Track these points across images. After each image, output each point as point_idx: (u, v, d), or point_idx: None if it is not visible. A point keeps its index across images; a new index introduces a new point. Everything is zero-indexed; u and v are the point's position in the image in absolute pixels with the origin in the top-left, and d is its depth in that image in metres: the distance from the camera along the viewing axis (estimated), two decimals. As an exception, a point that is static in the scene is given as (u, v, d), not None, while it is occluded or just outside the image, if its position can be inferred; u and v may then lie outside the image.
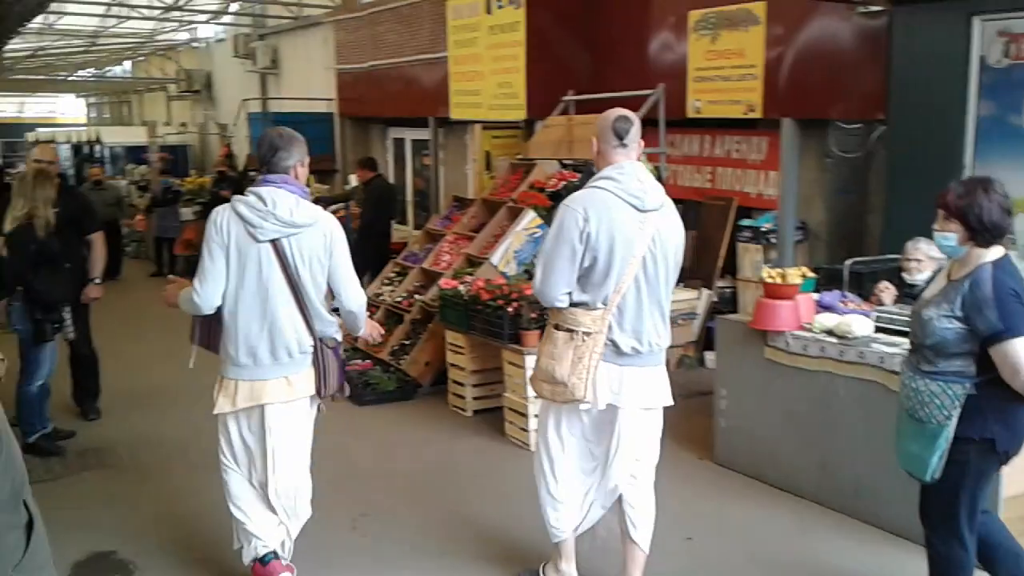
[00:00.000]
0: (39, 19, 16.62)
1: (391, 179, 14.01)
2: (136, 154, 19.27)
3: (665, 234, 3.26)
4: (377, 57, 13.04)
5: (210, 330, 3.55)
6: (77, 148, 24.95)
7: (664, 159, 7.95)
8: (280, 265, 3.33)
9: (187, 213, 13.03)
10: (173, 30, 18.86)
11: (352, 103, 14.18)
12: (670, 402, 3.48)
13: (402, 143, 13.79)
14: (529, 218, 6.91)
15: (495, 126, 9.44)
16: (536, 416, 4.39)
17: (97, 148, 21.11)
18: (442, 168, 12.35)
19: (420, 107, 12.03)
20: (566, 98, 8.51)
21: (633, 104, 7.21)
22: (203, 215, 12.32)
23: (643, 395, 3.34)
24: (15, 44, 18.44)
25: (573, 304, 3.26)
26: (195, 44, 21.13)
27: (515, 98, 9.18)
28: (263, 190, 3.37)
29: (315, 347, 3.46)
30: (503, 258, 6.75)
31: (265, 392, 3.43)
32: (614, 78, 8.53)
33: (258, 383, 3.43)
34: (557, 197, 7.12)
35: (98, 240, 6.00)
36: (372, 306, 7.66)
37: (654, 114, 7.72)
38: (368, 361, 7.01)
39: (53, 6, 15.22)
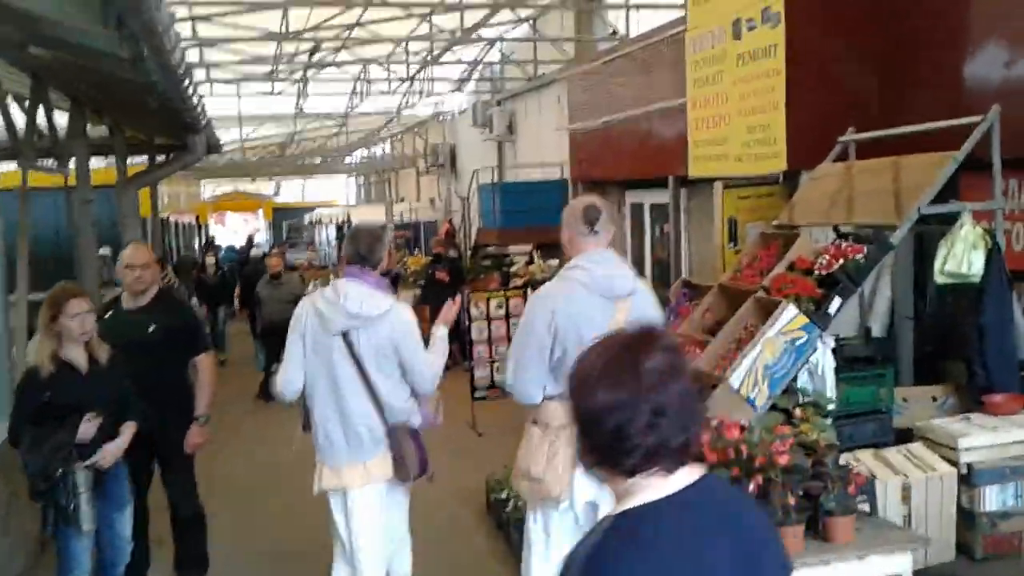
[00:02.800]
0: (291, 105, 16.94)
1: (627, 251, 12.08)
2: (379, 232, 18.97)
3: (638, 318, 3.06)
4: (612, 111, 11.28)
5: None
6: (339, 228, 25.73)
7: (1001, 215, 5.30)
8: (349, 356, 3.49)
9: (407, 297, 11.90)
10: (413, 105, 18.52)
11: (586, 165, 12.49)
12: None
13: (640, 209, 11.83)
14: (788, 316, 4.59)
15: (743, 183, 7.16)
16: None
17: (347, 228, 21.26)
18: (685, 236, 10.20)
19: (657, 165, 10.04)
20: (844, 138, 6.09)
21: (950, 140, 5.11)
22: (423, 299, 11.07)
23: None
24: (268, 131, 19.00)
25: (547, 397, 3.22)
26: (441, 118, 20.82)
27: (771, 144, 6.89)
28: (339, 282, 3.57)
29: (389, 433, 3.55)
30: (747, 378, 4.48)
31: (342, 476, 3.58)
32: (916, 104, 6.01)
33: (335, 467, 3.60)
34: (830, 283, 4.74)
35: (206, 364, 4.62)
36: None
37: (983, 152, 5.12)
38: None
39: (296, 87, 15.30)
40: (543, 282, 8.58)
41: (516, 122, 15.86)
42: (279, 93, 15.10)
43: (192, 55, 11.66)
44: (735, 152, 7.45)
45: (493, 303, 8.23)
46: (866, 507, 3.48)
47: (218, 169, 27.05)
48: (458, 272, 11.64)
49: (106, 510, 3.88)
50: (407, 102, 18.43)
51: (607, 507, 3.19)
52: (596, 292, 3.19)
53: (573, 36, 12.99)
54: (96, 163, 12.37)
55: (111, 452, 3.84)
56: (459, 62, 14.00)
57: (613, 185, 12.32)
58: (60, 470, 3.52)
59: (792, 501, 3.26)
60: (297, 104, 17.03)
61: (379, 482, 3.59)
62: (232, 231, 40.41)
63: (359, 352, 3.48)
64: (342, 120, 19.39)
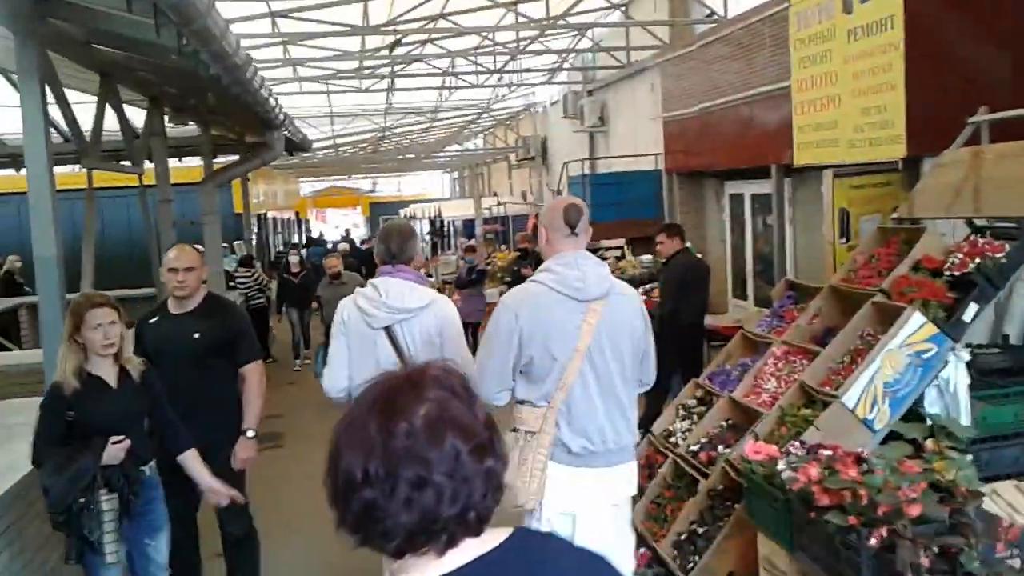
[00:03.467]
0: (380, 100, 16.81)
1: (727, 246, 11.38)
2: (470, 228, 18.71)
3: (615, 323, 3.08)
4: (708, 98, 10.62)
5: None
6: (432, 223, 25.66)
7: None
8: (395, 351, 3.44)
9: (493, 294, 11.54)
10: (503, 97, 18.13)
11: (681, 155, 11.85)
12: (633, 491, 3.27)
13: (740, 200, 11.11)
14: (914, 325, 3.94)
15: (856, 171, 6.44)
16: None
17: (438, 222, 21.09)
18: (790, 230, 9.47)
19: (759, 153, 9.36)
20: (976, 118, 5.33)
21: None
22: (509, 295, 10.66)
23: (602, 493, 3.12)
24: (359, 126, 18.96)
25: (519, 402, 3.15)
26: (533, 110, 20.39)
27: (888, 127, 6.17)
28: (378, 280, 3.54)
29: None
30: (865, 396, 3.87)
31: None
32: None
33: None
34: (964, 286, 4.07)
35: (255, 375, 4.29)
36: (659, 454, 5.12)
37: None
38: (645, 551, 4.43)
39: (385, 83, 15.12)
40: (640, 279, 8.07)
41: (608, 112, 15.28)
42: (366, 90, 14.92)
43: (275, 52, 11.59)
44: (847, 137, 6.75)
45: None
46: (1016, 563, 2.83)
47: (314, 166, 27.39)
48: (546, 268, 11.18)
49: (138, 535, 3.60)
50: (497, 95, 18.07)
51: (587, 519, 3.02)
52: (566, 294, 3.05)
53: (667, 19, 12.32)
54: (173, 163, 12.51)
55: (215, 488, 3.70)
56: (548, 51, 13.50)
57: (710, 176, 11.64)
58: (82, 499, 3.22)
59: (925, 561, 2.63)
60: (387, 99, 16.87)
61: None
62: (333, 227, 41.10)
63: (405, 345, 3.45)
64: (431, 115, 19.16)
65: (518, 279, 10.57)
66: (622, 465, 3.16)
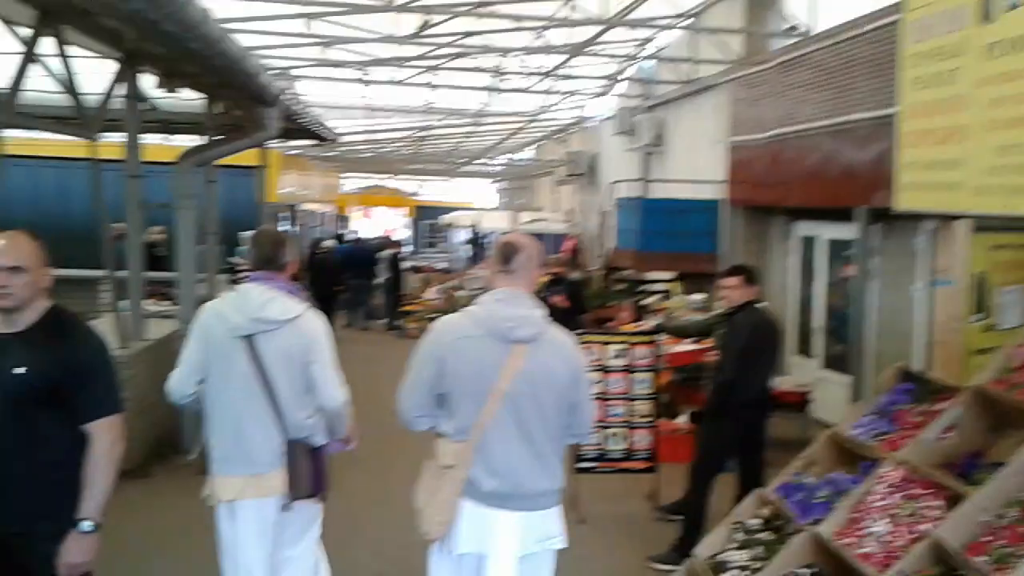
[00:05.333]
0: (417, 95, 15.60)
1: (794, 293, 9.88)
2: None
3: (539, 368, 2.99)
4: (784, 124, 9.19)
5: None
6: (471, 233, 24.44)
7: None
8: (252, 362, 3.32)
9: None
10: (554, 107, 16.80)
11: (746, 186, 10.41)
12: (558, 545, 3.12)
13: (811, 244, 9.63)
14: None
15: (996, 226, 4.95)
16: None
17: (476, 233, 19.81)
18: (874, 284, 7.98)
19: (843, 192, 7.93)
20: None
21: None
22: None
23: (515, 540, 3.00)
24: (396, 122, 17.79)
25: (439, 433, 3.09)
26: (584, 124, 19.04)
27: (1040, 171, 4.70)
28: (244, 285, 3.43)
29: (287, 447, 3.38)
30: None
31: (234, 488, 3.38)
32: None
33: (230, 478, 3.39)
34: None
35: (104, 435, 2.91)
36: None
37: None
38: None
39: (423, 78, 13.89)
40: (695, 328, 6.61)
41: (666, 131, 13.88)
42: (401, 82, 13.69)
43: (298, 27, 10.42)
44: (975, 181, 5.26)
45: (611, 350, 6.32)
46: None
47: (355, 161, 26.34)
48: (579, 299, 9.77)
49: None
50: (547, 104, 16.76)
51: (497, 563, 2.93)
52: (489, 333, 3.00)
53: (741, 28, 10.90)
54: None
55: None
56: (604, 54, 12.17)
57: (779, 213, 10.17)
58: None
59: None
60: (427, 96, 15.65)
61: (270, 497, 3.40)
62: (380, 226, 40.12)
63: (263, 358, 3.36)
64: (475, 119, 17.90)
65: (547, 309, 9.19)
66: (538, 512, 3.05)
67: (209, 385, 3.42)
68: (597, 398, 6.23)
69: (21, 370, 2.78)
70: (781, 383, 7.44)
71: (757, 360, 5.23)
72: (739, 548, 3.70)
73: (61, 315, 2.97)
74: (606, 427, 6.31)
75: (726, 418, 5.26)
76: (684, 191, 12.24)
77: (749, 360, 5.18)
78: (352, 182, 42.73)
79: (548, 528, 3.09)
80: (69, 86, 6.13)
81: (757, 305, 5.40)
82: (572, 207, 20.64)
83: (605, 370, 6.29)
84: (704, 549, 3.91)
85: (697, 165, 12.34)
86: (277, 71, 12.69)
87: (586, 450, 6.28)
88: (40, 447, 2.84)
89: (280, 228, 3.76)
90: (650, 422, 6.36)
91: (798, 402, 7.73)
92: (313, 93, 15.68)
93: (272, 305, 3.36)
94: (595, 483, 6.39)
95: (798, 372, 9.00)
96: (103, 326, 7.13)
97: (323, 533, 3.76)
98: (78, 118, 6.12)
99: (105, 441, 2.89)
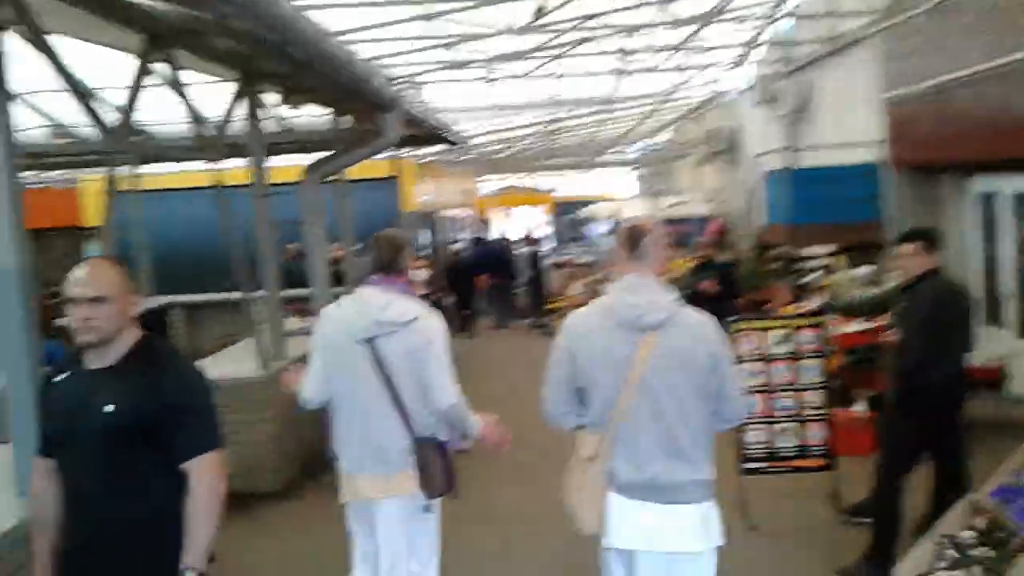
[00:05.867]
0: (544, 88, 15.24)
1: (976, 256, 8.83)
2: (647, 230, 16.73)
3: (673, 354, 2.92)
4: (951, 69, 8.18)
5: None
6: (613, 224, 23.93)
7: None
8: (375, 364, 3.37)
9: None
10: (687, 83, 15.97)
11: (909, 144, 9.40)
12: (703, 546, 2.94)
13: (991, 200, 8.55)
14: None
15: None
16: None
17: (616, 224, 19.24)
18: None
19: (1030, 137, 6.89)
20: None
21: None
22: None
23: (658, 537, 2.92)
24: (526, 119, 17.49)
25: (582, 426, 3.08)
26: (721, 98, 18.08)
27: None
28: (363, 290, 3.50)
29: (415, 447, 3.42)
30: None
31: (367, 488, 3.45)
32: None
33: (361, 477, 3.47)
34: None
35: (205, 475, 2.66)
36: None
37: None
38: None
39: (543, 68, 13.49)
40: (868, 304, 5.89)
41: (811, 95, 12.87)
42: (526, 75, 13.31)
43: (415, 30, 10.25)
44: None
45: (773, 336, 5.68)
46: None
47: (488, 163, 26.36)
48: (730, 283, 9.07)
49: None
50: (679, 82, 15.96)
51: (645, 558, 2.86)
52: (618, 322, 2.93)
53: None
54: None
55: None
56: (736, 19, 11.33)
57: (951, 169, 9.10)
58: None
59: None
60: (553, 88, 15.22)
61: (401, 496, 3.47)
62: (520, 226, 40.31)
63: (385, 360, 3.42)
64: (606, 106, 17.31)
65: (696, 297, 8.56)
66: (680, 506, 2.95)
67: (335, 389, 3.52)
68: (760, 391, 5.67)
69: (110, 408, 2.56)
70: (973, 358, 6.54)
71: (946, 336, 4.47)
72: (950, 568, 3.07)
73: (153, 346, 2.75)
74: (773, 422, 5.69)
75: (914, 405, 4.54)
76: (837, 157, 11.26)
77: (937, 337, 4.44)
78: (489, 184, 43.02)
79: (695, 525, 2.96)
80: (191, 111, 6.14)
81: (938, 270, 4.65)
82: (715, 187, 19.73)
83: (767, 359, 5.67)
84: (907, 569, 3.29)
85: (849, 127, 11.33)
86: (402, 79, 12.66)
87: (753, 449, 5.68)
88: (138, 492, 2.61)
89: (399, 231, 3.63)
90: (824, 414, 5.69)
91: (992, 379, 6.83)
92: (440, 99, 15.62)
93: (392, 308, 3.43)
94: (766, 485, 5.79)
95: (989, 345, 7.97)
96: (245, 349, 7.17)
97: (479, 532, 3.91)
98: (201, 144, 6.11)
99: (206, 480, 2.64)
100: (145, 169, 16.16)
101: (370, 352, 3.42)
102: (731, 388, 3.01)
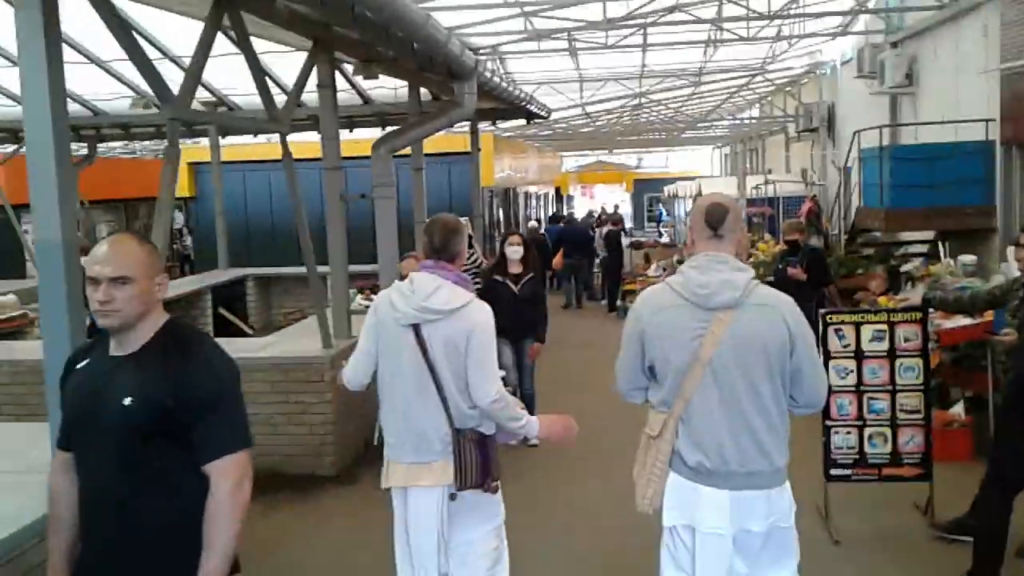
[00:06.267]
0: (630, 60, 14.69)
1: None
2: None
3: (746, 336, 2.81)
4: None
5: None
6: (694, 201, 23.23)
7: None
8: (420, 351, 3.36)
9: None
10: (782, 55, 15.18)
11: (1026, 122, 8.61)
12: (783, 524, 2.87)
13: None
14: None
15: None
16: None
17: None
18: None
19: None
20: None
21: None
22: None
23: (724, 519, 2.82)
24: (610, 91, 16.96)
25: (651, 404, 3.02)
26: (819, 71, 17.18)
27: None
28: (414, 275, 3.46)
29: (453, 437, 3.37)
30: None
31: (406, 475, 3.43)
32: None
33: (400, 464, 3.45)
34: None
35: (224, 478, 2.37)
36: None
37: None
38: None
39: (628, 40, 12.96)
40: (982, 300, 5.26)
41: (918, 68, 12.00)
42: (612, 46, 12.82)
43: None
44: None
45: (866, 332, 5.18)
46: None
47: (569, 138, 25.90)
48: (820, 268, 8.48)
49: None
50: (774, 52, 15.18)
51: (708, 540, 2.83)
52: (688, 300, 2.86)
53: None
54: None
55: None
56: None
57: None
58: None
59: None
60: (641, 59, 14.66)
61: (438, 485, 3.40)
62: (599, 203, 39.84)
63: (429, 348, 3.37)
64: (695, 79, 16.64)
65: (783, 281, 8.04)
66: (754, 491, 2.82)
67: (380, 373, 3.48)
68: (850, 391, 5.19)
69: (128, 401, 2.33)
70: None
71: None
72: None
73: (179, 331, 2.49)
74: (864, 425, 5.20)
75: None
76: (943, 135, 10.47)
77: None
78: (571, 160, 42.47)
79: (766, 508, 2.86)
80: (261, 80, 5.97)
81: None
82: (806, 166, 18.84)
83: (861, 356, 5.18)
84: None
85: (959, 103, 10.50)
86: (483, 50, 12.33)
87: (840, 454, 5.22)
88: (164, 493, 2.35)
89: (453, 215, 3.44)
90: (922, 419, 5.17)
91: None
92: (523, 70, 15.24)
93: (438, 295, 3.36)
94: (852, 493, 5.33)
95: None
96: (311, 326, 7.01)
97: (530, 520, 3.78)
98: (271, 115, 5.92)
99: (227, 484, 2.36)
100: (228, 141, 16.43)
101: (414, 338, 3.37)
102: (809, 371, 2.87)
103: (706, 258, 2.89)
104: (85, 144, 12.63)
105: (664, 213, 33.93)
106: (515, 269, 6.96)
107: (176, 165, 4.52)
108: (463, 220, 3.78)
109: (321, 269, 6.82)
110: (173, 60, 8.45)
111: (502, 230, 18.91)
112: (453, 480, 3.37)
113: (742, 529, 2.84)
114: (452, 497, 3.40)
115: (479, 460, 3.39)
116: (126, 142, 17.61)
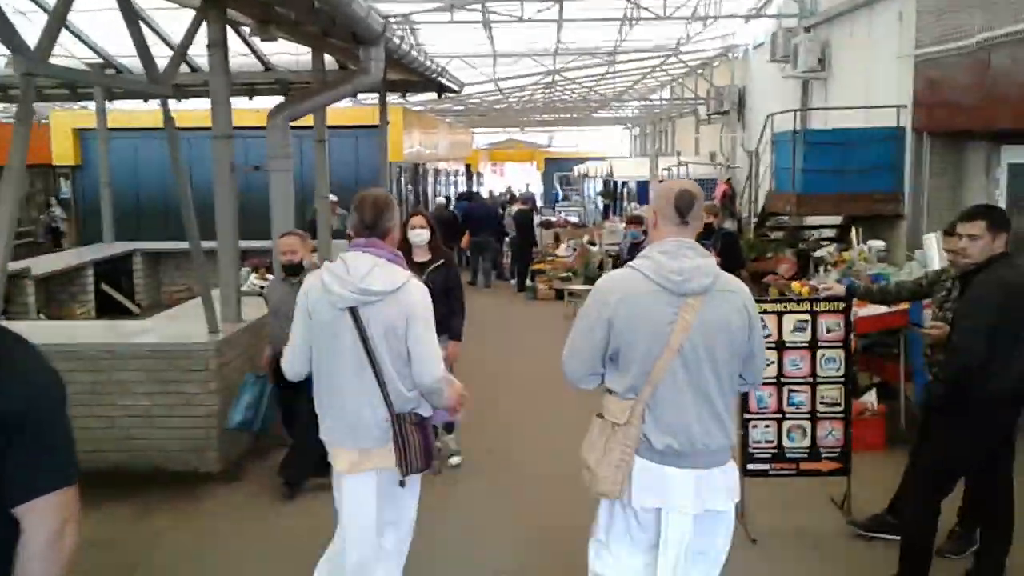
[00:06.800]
0: (546, 36, 14.34)
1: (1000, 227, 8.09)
2: (644, 191, 16.00)
3: (712, 321, 2.89)
4: (990, 26, 7.40)
5: None
6: (605, 184, 23.13)
7: None
8: (357, 334, 3.25)
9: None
10: (696, 36, 15.08)
11: (939, 110, 8.64)
12: (730, 504, 3.00)
13: (1022, 172, 7.83)
14: None
15: None
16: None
17: (611, 184, 18.45)
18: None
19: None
20: None
21: None
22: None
23: (691, 498, 2.90)
24: (524, 68, 16.61)
25: (607, 390, 3.03)
26: (732, 54, 17.19)
27: None
28: (347, 255, 3.32)
29: (393, 421, 3.29)
30: None
31: (342, 460, 3.36)
32: None
33: (336, 450, 3.38)
34: None
35: (40, 523, 1.78)
36: None
37: None
38: None
39: (552, 12, 12.61)
40: (907, 290, 5.10)
41: (830, 53, 12.03)
42: (528, 19, 12.44)
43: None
44: None
45: (788, 322, 4.97)
46: None
47: (481, 114, 25.44)
48: (734, 252, 8.33)
49: None
50: (688, 33, 15.06)
51: (675, 519, 2.90)
52: (661, 286, 2.87)
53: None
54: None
55: None
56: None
57: (981, 138, 8.35)
58: None
59: None
60: (556, 36, 14.32)
61: (379, 470, 3.32)
62: (509, 181, 39.47)
63: (367, 330, 3.24)
64: (609, 58, 16.41)
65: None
66: (715, 469, 2.93)
67: (316, 359, 3.36)
68: (770, 383, 4.97)
69: None
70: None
71: (1014, 338, 3.76)
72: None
73: None
74: (783, 418, 5.00)
75: (968, 416, 3.85)
76: (854, 121, 10.48)
77: (1004, 337, 3.73)
78: (483, 138, 42.00)
79: (727, 486, 2.98)
80: (138, 37, 5.33)
81: (1006, 256, 3.93)
82: (715, 149, 18.91)
83: (782, 347, 4.96)
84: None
85: (870, 89, 10.53)
86: (396, 18, 11.76)
87: (757, 449, 5.00)
88: None
89: (384, 190, 3.42)
90: (842, 411, 5.00)
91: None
92: (435, 43, 14.69)
93: (375, 275, 3.23)
94: (770, 489, 5.13)
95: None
96: (197, 308, 6.42)
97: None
98: (153, 78, 5.29)
99: (43, 533, 1.84)
100: (119, 106, 15.30)
101: (352, 321, 3.23)
102: (759, 353, 3.05)
103: (675, 243, 2.90)
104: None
105: (560, 195, 33.83)
106: (421, 257, 5.61)
107: (28, 127, 3.91)
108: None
109: (210, 245, 6.24)
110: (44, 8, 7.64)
111: (410, 208, 18.35)
112: (397, 466, 3.28)
113: (705, 508, 2.91)
114: (402, 484, 3.32)
115: (422, 443, 3.32)
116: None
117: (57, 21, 4.16)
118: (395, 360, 3.28)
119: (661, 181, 16.15)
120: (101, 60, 10.93)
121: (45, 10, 7.43)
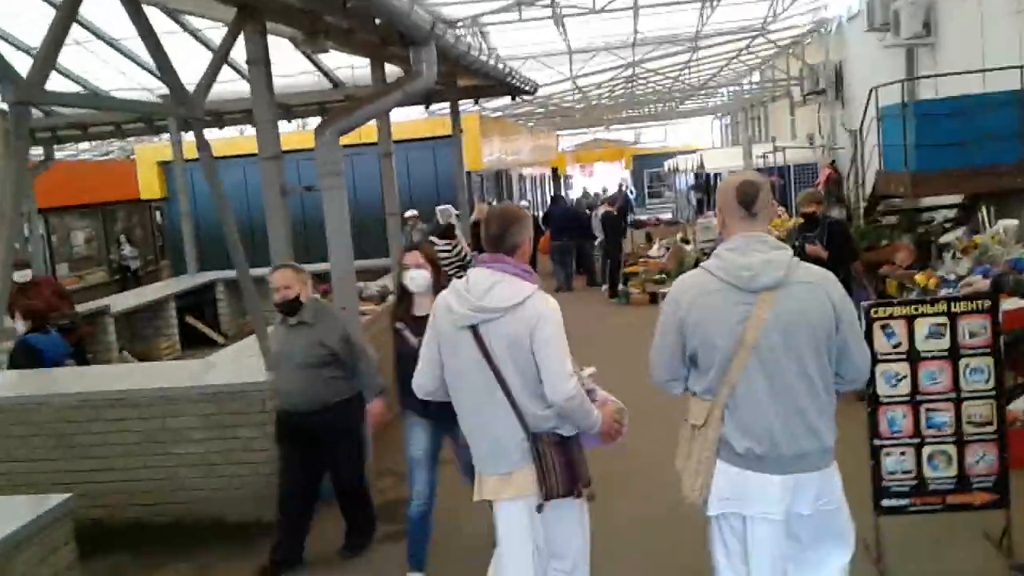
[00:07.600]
0: (622, 27, 13.61)
1: None
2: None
3: (792, 316, 2.79)
4: None
5: None
6: (696, 177, 22.20)
7: None
8: (482, 354, 3.16)
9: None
10: (783, 13, 14.05)
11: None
12: (833, 507, 2.90)
13: None
14: None
15: None
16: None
17: (702, 176, 17.53)
18: None
19: None
20: None
21: None
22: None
23: (776, 504, 2.81)
24: (602, 62, 15.88)
25: (692, 393, 3.00)
26: (824, 29, 16.05)
27: None
28: (472, 271, 3.29)
29: (531, 442, 3.15)
30: None
31: (488, 487, 3.26)
32: None
33: (485, 475, 3.28)
34: None
35: None
36: None
37: None
38: None
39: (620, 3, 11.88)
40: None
41: (936, 15, 10.89)
42: (602, 9, 11.72)
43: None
44: None
45: (921, 328, 4.14)
46: None
47: (563, 115, 24.82)
48: (844, 243, 7.41)
49: None
50: (774, 10, 14.05)
51: (759, 525, 2.81)
52: (730, 283, 2.81)
53: None
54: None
55: None
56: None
57: None
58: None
59: None
60: (633, 25, 13.56)
61: (523, 496, 3.17)
62: (602, 182, 38.62)
63: (491, 349, 3.12)
64: (691, 44, 15.52)
65: (802, 259, 6.98)
66: (803, 475, 2.82)
67: (448, 381, 3.30)
68: (903, 401, 4.16)
69: None
70: None
71: None
72: None
73: None
74: (923, 443, 4.18)
75: None
76: (969, 87, 9.37)
77: None
78: (568, 140, 41.31)
79: (818, 491, 2.86)
80: (159, 56, 4.94)
81: None
82: (812, 131, 17.75)
83: (915, 358, 4.14)
84: None
85: (985, 51, 9.41)
86: (464, 21, 11.28)
87: (893, 481, 4.19)
88: None
89: (512, 204, 3.97)
90: (994, 432, 4.14)
91: None
92: (507, 44, 14.16)
93: (496, 291, 3.14)
94: (910, 528, 4.31)
95: None
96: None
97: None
98: (177, 98, 4.88)
99: None
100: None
101: (473, 339, 3.13)
102: (855, 346, 2.89)
103: (744, 239, 2.83)
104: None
105: (633, 193, 32.76)
106: (423, 309, 4.11)
107: (23, 159, 3.50)
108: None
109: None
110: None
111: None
112: (537, 489, 3.13)
113: (793, 512, 2.83)
114: (539, 508, 3.16)
115: (563, 464, 3.16)
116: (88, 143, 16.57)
117: (49, 51, 3.74)
118: (524, 377, 3.14)
119: (764, 170, 15.23)
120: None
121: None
